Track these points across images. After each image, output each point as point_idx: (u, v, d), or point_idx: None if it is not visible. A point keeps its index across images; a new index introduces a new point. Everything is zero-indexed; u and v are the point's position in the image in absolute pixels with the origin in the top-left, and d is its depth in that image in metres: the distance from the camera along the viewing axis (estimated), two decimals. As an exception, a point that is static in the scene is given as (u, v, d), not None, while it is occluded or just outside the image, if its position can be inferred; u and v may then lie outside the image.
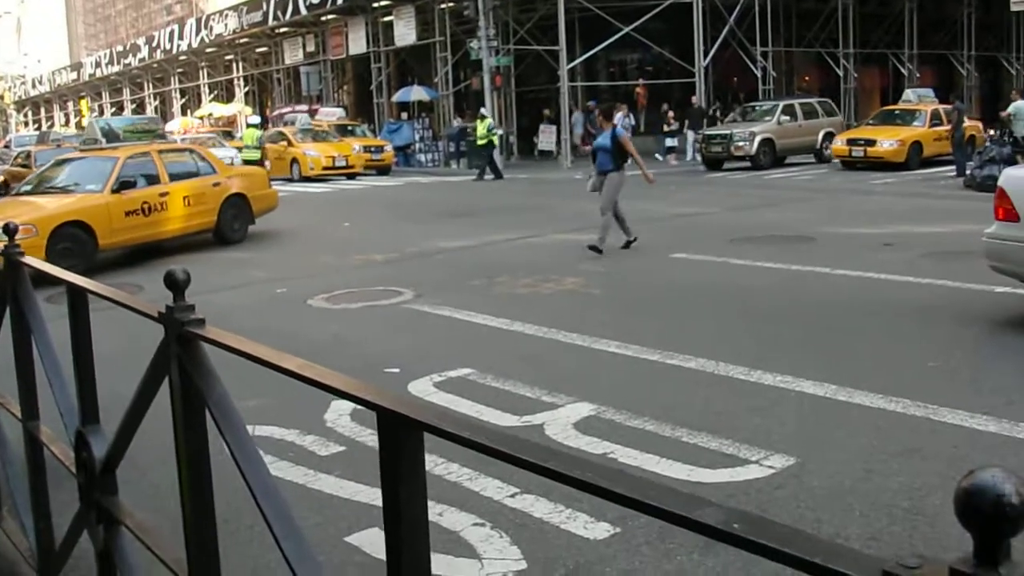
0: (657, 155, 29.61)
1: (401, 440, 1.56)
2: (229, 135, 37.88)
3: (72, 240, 12.67)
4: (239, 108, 48.16)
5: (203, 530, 2.36)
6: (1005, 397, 5.98)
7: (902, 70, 37.82)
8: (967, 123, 22.91)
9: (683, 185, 22.60)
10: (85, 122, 36.16)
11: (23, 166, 24.96)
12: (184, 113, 53.60)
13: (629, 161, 12.54)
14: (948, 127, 23.46)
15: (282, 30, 43.31)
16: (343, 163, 29.49)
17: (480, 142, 27.52)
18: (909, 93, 27.87)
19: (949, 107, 24.30)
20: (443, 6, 33.45)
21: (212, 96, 52.48)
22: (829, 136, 27.73)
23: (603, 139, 12.73)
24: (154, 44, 54.64)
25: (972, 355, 7.29)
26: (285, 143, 30.33)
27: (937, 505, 4.39)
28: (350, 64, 42.81)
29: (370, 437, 5.43)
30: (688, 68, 30.80)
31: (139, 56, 56.40)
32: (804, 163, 26.83)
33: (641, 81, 34.71)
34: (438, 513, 4.51)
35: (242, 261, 13.69)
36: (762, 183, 22.66)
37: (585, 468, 1.27)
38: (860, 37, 36.56)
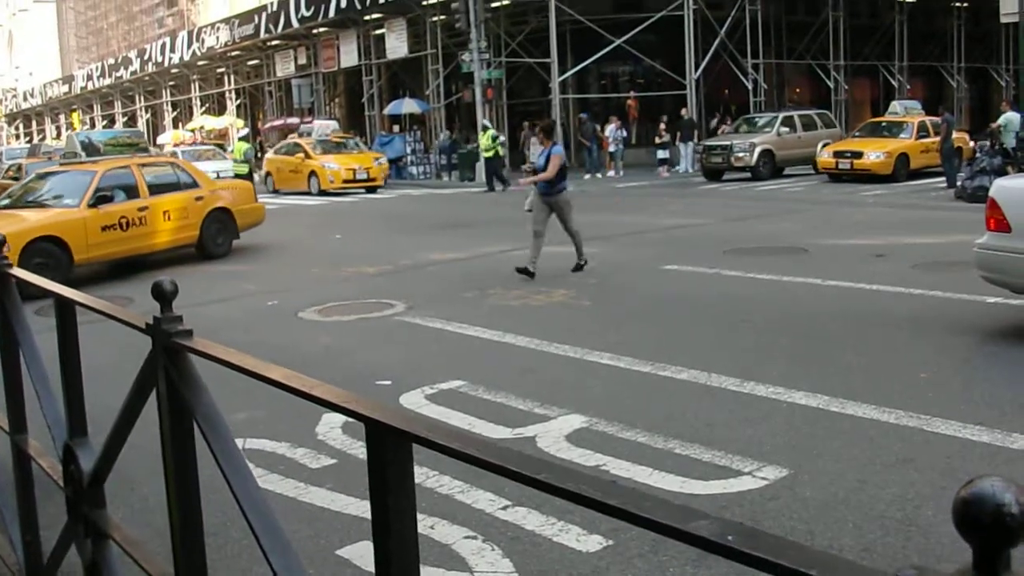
0: (662, 170, 29.69)
1: (389, 451, 1.54)
2: (221, 148, 37.80)
3: (46, 255, 12.46)
4: (231, 121, 48.14)
5: (191, 544, 2.34)
6: (997, 408, 5.98)
7: (892, 82, 38.04)
8: (955, 135, 22.98)
9: (675, 197, 22.65)
10: (64, 135, 35.97)
11: (14, 179, 24.93)
12: (176, 126, 53.61)
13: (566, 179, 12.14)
14: (936, 139, 23.54)
15: (274, 43, 43.38)
16: (364, 176, 28.13)
17: (486, 154, 27.33)
18: (896, 105, 27.92)
19: (938, 119, 24.38)
20: (435, 19, 33.53)
21: (204, 109, 52.50)
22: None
23: (541, 158, 12.09)
24: (146, 57, 54.65)
25: (964, 365, 7.30)
26: (302, 155, 28.78)
27: (931, 516, 4.38)
28: (342, 77, 42.87)
29: (361, 450, 5.38)
30: (679, 80, 30.90)
31: (131, 69, 56.41)
32: (802, 174, 26.90)
33: (632, 93, 34.81)
34: (429, 526, 4.48)
35: (233, 274, 13.64)
36: (754, 195, 22.71)
37: (578, 480, 1.26)
38: (851, 49, 36.77)
